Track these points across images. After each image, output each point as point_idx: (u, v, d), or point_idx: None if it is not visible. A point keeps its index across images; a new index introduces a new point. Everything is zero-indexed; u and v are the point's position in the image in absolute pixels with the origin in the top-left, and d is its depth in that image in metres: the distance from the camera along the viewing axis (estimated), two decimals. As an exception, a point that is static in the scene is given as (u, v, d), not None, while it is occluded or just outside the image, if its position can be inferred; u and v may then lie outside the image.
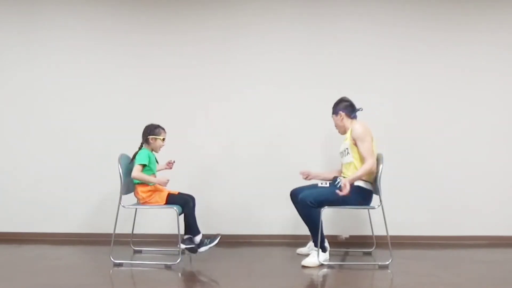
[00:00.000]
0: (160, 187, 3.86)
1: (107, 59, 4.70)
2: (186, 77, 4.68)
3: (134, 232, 4.20)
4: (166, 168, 4.07)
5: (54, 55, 4.70)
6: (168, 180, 3.77)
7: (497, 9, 4.65)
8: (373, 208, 3.82)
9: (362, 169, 3.69)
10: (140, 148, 3.92)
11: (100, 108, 4.68)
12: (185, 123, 4.64)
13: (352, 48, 4.65)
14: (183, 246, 3.79)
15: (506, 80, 4.64)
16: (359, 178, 3.71)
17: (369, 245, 4.22)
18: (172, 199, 3.83)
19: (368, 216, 4.16)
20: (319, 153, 4.59)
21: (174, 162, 4.08)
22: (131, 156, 3.98)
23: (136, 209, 4.11)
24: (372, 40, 4.65)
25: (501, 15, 4.66)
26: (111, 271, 3.61)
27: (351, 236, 4.52)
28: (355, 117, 3.95)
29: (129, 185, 3.88)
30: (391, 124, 4.60)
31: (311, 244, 4.04)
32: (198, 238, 3.83)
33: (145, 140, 3.93)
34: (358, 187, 3.74)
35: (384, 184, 3.78)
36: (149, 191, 3.84)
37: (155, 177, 3.91)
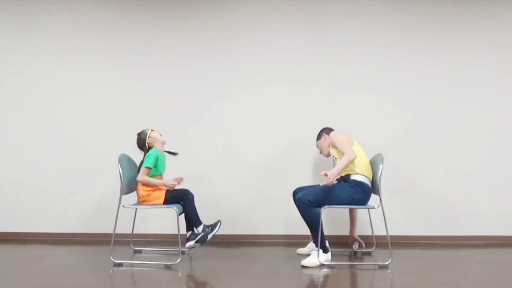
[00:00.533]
0: (155, 189, 3.87)
1: (107, 59, 4.70)
2: (187, 77, 4.68)
3: (134, 232, 4.20)
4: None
5: (55, 55, 4.70)
6: (175, 185, 3.78)
7: (497, 8, 4.66)
8: (373, 208, 3.82)
9: (342, 161, 3.75)
10: (146, 153, 3.91)
11: (101, 108, 4.68)
12: (185, 123, 4.64)
13: (353, 48, 4.65)
14: (191, 243, 3.78)
15: (507, 80, 4.64)
16: (342, 169, 3.76)
17: (369, 245, 4.22)
18: (170, 195, 3.82)
19: (368, 216, 4.16)
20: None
21: (182, 179, 4.01)
22: (131, 156, 3.99)
23: (136, 209, 4.11)
24: (373, 40, 4.65)
25: (502, 14, 4.66)
26: (111, 271, 3.61)
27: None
28: None
29: (129, 185, 3.87)
30: (392, 124, 4.61)
31: (311, 244, 4.04)
32: (200, 228, 3.82)
33: (145, 148, 3.91)
34: (361, 183, 3.80)
35: (384, 184, 3.79)
36: (149, 190, 3.84)
37: (162, 179, 3.91)
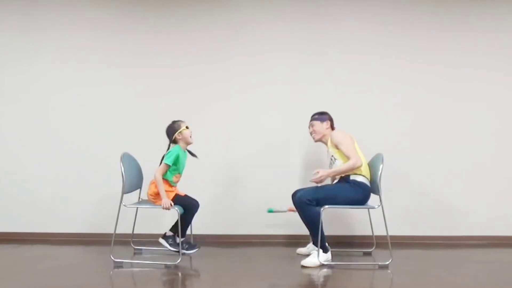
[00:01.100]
0: (170, 188, 3.86)
1: (107, 59, 4.70)
2: (187, 77, 4.68)
3: (135, 232, 4.20)
4: None
5: (55, 55, 4.70)
6: (169, 208, 3.72)
7: (497, 8, 4.66)
8: (373, 208, 3.83)
9: (346, 165, 3.77)
10: (168, 147, 3.91)
11: (101, 108, 4.68)
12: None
13: (353, 48, 4.65)
14: (165, 243, 3.85)
15: (507, 80, 4.65)
16: (340, 173, 3.79)
17: (369, 245, 4.22)
18: (178, 201, 3.82)
19: (368, 216, 4.16)
20: (320, 153, 4.58)
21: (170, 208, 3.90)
22: (133, 155, 4.00)
23: (136, 208, 4.11)
24: (374, 40, 4.65)
25: (502, 14, 4.66)
26: (111, 271, 3.61)
27: (351, 236, 4.52)
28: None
29: (131, 183, 3.87)
30: (392, 124, 4.62)
31: (311, 245, 4.04)
32: (179, 240, 3.83)
33: (173, 141, 3.91)
34: (361, 183, 3.80)
35: (384, 184, 3.79)
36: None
37: (179, 177, 3.92)
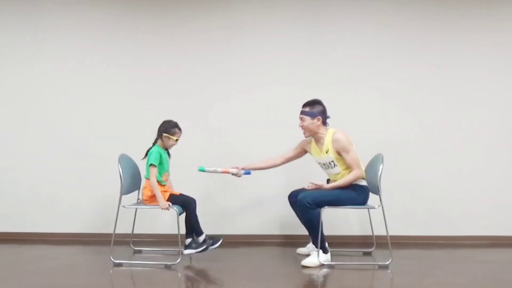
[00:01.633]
0: (162, 188, 3.87)
1: (108, 59, 4.69)
2: (188, 77, 4.68)
3: (134, 232, 4.20)
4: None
5: (55, 55, 4.70)
6: (167, 208, 3.73)
7: (497, 8, 4.66)
8: (373, 208, 3.82)
9: (350, 178, 3.74)
10: (153, 144, 3.91)
11: (101, 108, 4.68)
12: (186, 123, 4.63)
13: (354, 48, 4.64)
14: (191, 251, 3.78)
15: (507, 80, 4.64)
16: (344, 186, 3.76)
17: (369, 245, 4.22)
18: (173, 200, 3.82)
19: (368, 216, 4.16)
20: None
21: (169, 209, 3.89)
22: (131, 156, 3.98)
23: (136, 209, 4.11)
24: (374, 40, 4.64)
25: (502, 14, 4.66)
26: (111, 271, 3.61)
27: (351, 236, 4.53)
28: (327, 125, 3.92)
29: (129, 185, 3.87)
30: (392, 124, 4.61)
31: (311, 245, 4.03)
32: (201, 238, 3.82)
33: (159, 136, 3.91)
34: (363, 186, 3.80)
35: (384, 184, 3.78)
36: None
37: (168, 176, 3.92)
